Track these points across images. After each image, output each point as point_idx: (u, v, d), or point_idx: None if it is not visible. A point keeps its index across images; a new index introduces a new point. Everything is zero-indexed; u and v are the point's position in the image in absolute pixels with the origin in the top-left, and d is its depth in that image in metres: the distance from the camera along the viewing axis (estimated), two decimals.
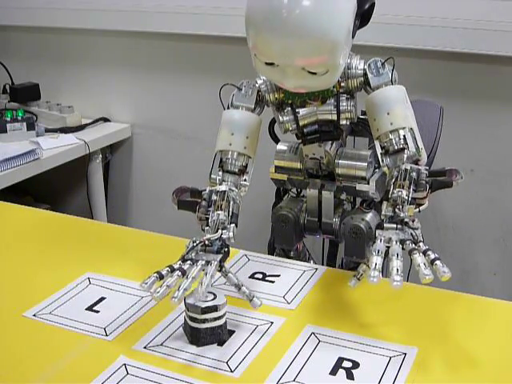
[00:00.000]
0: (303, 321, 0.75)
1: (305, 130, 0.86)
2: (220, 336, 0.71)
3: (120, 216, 2.02)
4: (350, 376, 0.66)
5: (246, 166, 0.83)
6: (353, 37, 0.75)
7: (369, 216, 0.91)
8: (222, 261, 0.72)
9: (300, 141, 0.92)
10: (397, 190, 0.74)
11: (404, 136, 0.78)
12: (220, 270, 0.72)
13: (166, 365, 0.68)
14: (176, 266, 0.71)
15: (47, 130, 1.76)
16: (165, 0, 1.69)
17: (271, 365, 0.67)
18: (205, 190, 0.80)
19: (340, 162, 0.91)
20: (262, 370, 0.67)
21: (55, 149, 1.67)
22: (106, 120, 1.92)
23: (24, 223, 1.06)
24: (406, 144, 0.78)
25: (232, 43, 1.61)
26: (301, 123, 0.85)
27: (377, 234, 0.71)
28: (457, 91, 1.47)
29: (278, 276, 0.86)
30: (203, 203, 0.78)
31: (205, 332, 0.70)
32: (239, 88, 0.85)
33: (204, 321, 0.70)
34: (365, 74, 0.82)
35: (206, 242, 0.73)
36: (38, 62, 2.01)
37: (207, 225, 0.76)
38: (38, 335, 0.74)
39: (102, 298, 0.81)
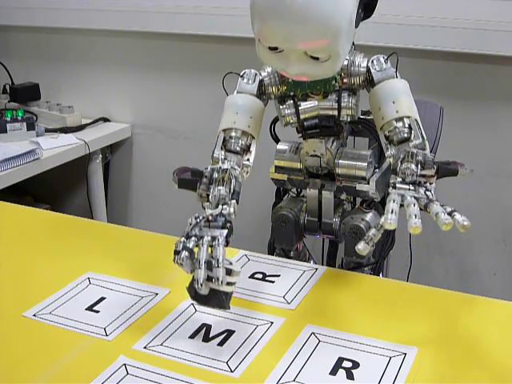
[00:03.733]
0: (303, 321, 0.75)
1: (305, 124, 0.86)
2: (222, 303, 0.69)
3: (120, 216, 2.03)
4: (349, 376, 0.66)
5: (249, 146, 0.82)
6: (356, 26, 0.75)
7: (369, 216, 0.91)
8: (227, 236, 0.70)
9: (299, 141, 0.93)
10: (404, 164, 0.73)
11: (409, 125, 0.77)
12: (226, 246, 0.70)
13: (166, 365, 0.68)
14: (180, 247, 0.70)
15: (47, 130, 1.76)
16: (164, 0, 1.69)
17: (271, 365, 0.67)
18: (207, 169, 0.79)
19: (340, 161, 0.91)
20: (262, 370, 0.67)
21: (55, 149, 1.67)
22: (106, 120, 1.92)
23: (24, 223, 1.06)
24: (411, 133, 0.77)
25: (232, 43, 1.62)
26: (302, 117, 0.85)
27: (389, 191, 0.70)
28: (457, 91, 1.47)
29: (278, 276, 0.86)
30: (204, 180, 0.77)
31: (208, 292, 0.69)
32: (241, 76, 0.85)
33: (210, 279, 0.68)
34: (367, 71, 0.82)
35: (210, 218, 0.72)
36: (37, 62, 2.01)
37: (208, 201, 0.75)
38: (38, 335, 0.74)
39: (102, 298, 0.81)
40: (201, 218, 0.72)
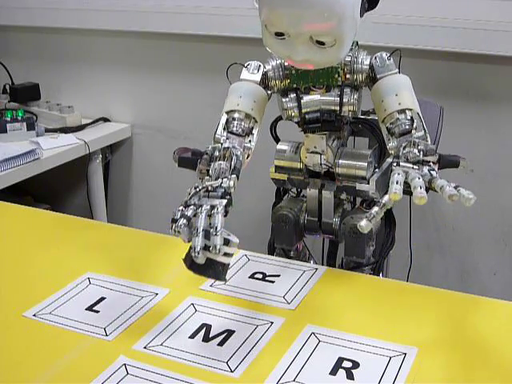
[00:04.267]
0: (303, 321, 0.75)
1: (307, 117, 0.86)
2: (219, 274, 0.68)
3: (120, 216, 2.02)
4: (349, 376, 0.65)
5: (251, 129, 0.82)
6: (361, 15, 0.77)
7: None
8: (227, 206, 0.69)
9: (299, 141, 0.93)
10: (407, 149, 0.73)
11: (411, 117, 0.78)
12: (225, 216, 0.69)
13: (166, 365, 0.68)
14: (178, 215, 0.68)
15: (47, 130, 1.76)
16: (164, 0, 1.69)
17: (271, 365, 0.67)
18: (208, 147, 0.78)
19: (340, 161, 0.91)
20: (262, 370, 0.67)
21: (55, 149, 1.67)
22: (106, 120, 1.92)
23: (24, 223, 1.06)
24: (412, 126, 0.77)
25: (232, 43, 1.61)
26: (303, 111, 0.85)
27: (392, 167, 0.70)
28: (457, 91, 1.47)
29: (278, 276, 0.86)
30: (205, 156, 0.76)
31: (205, 262, 0.67)
32: (246, 67, 0.86)
33: (208, 248, 0.66)
34: (370, 68, 0.83)
35: (209, 188, 0.71)
36: (37, 61, 2.01)
37: (208, 175, 0.75)
38: (38, 335, 0.74)
39: (102, 298, 0.81)
40: (200, 187, 0.71)
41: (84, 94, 1.95)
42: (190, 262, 0.68)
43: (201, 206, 0.69)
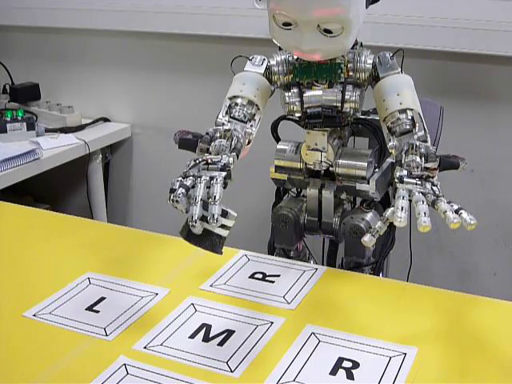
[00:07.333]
0: (303, 321, 0.75)
1: (308, 111, 0.86)
2: (215, 246, 0.67)
3: (120, 216, 2.02)
4: (349, 376, 0.66)
5: (253, 116, 0.82)
6: (366, 7, 0.78)
7: (369, 216, 0.91)
8: (226, 178, 0.69)
9: (299, 141, 0.93)
10: (409, 156, 0.73)
11: (412, 117, 0.78)
12: (225, 188, 0.69)
13: (166, 365, 0.68)
14: (177, 185, 0.68)
15: (47, 130, 1.76)
16: (164, 0, 1.69)
17: (271, 365, 0.67)
18: (209, 130, 0.78)
19: (340, 161, 0.91)
20: (262, 370, 0.67)
21: (55, 149, 1.67)
22: (106, 120, 1.92)
23: (24, 223, 1.06)
24: (414, 126, 0.78)
25: (232, 43, 1.61)
26: (305, 105, 0.86)
27: (397, 186, 0.70)
28: (457, 91, 1.47)
29: (278, 276, 0.86)
30: (206, 136, 0.76)
31: (202, 233, 0.67)
32: (250, 59, 0.86)
33: (205, 219, 0.66)
34: (374, 67, 0.83)
35: (209, 161, 0.71)
36: (37, 61, 2.01)
37: (207, 152, 0.74)
38: (38, 335, 0.74)
39: (102, 298, 0.81)
40: (200, 159, 0.71)
41: (84, 94, 1.95)
42: (187, 233, 0.68)
43: (200, 176, 0.69)
